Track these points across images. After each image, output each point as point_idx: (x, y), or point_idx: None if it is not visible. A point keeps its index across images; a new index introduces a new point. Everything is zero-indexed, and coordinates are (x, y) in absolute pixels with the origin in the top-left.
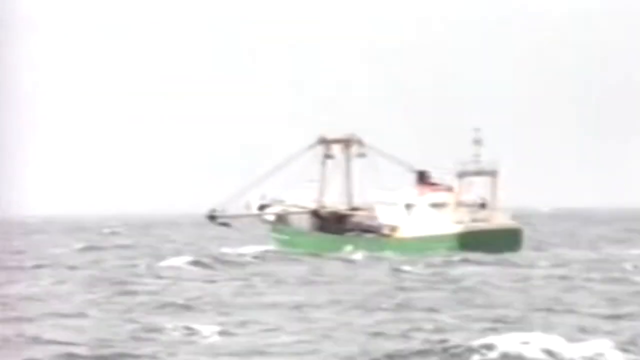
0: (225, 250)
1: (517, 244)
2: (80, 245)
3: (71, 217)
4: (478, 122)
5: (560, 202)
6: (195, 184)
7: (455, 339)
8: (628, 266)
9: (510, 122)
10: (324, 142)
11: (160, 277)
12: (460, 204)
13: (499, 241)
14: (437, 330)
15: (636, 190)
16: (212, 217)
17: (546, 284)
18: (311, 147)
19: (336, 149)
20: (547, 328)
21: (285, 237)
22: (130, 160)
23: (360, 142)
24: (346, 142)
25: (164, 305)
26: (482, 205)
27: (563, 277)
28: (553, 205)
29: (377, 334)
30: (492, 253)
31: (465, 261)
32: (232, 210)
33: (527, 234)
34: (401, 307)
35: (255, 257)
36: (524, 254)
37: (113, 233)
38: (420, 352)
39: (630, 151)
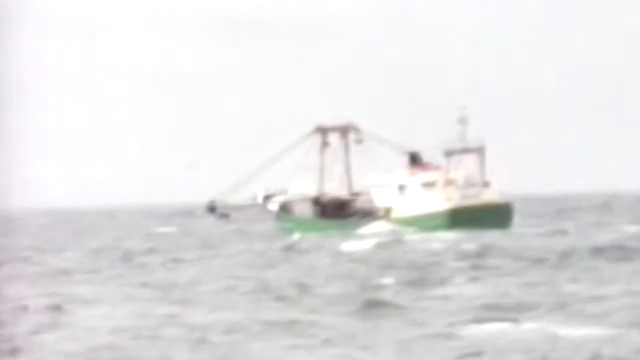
0: None
1: (508, 219)
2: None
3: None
4: (466, 100)
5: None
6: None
7: None
8: None
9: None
10: (321, 130)
11: None
12: (449, 182)
13: (489, 217)
14: None
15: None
16: (211, 209)
17: None
18: (308, 135)
19: (333, 137)
20: None
21: (289, 225)
22: (122, 152)
23: (356, 129)
24: (343, 130)
25: None
26: (486, 184)
27: None
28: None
29: None
30: (482, 229)
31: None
32: (232, 201)
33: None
34: None
35: None
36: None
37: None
38: None
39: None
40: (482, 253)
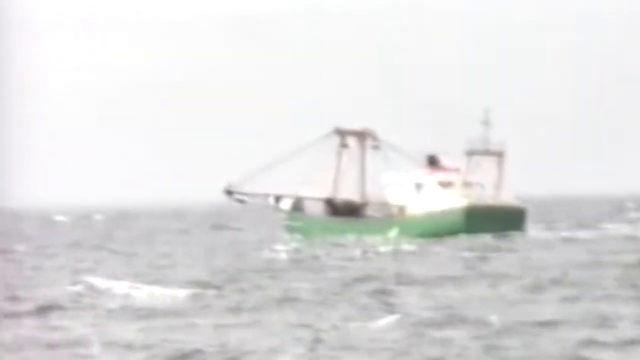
0: None
1: (521, 223)
2: None
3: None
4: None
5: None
6: (207, 173)
7: None
8: None
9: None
10: (340, 132)
11: None
12: (467, 184)
13: (503, 219)
14: None
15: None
16: (229, 192)
17: None
18: (326, 136)
19: (351, 141)
20: None
21: (299, 224)
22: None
23: (374, 135)
24: (361, 134)
25: None
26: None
27: None
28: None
29: None
30: (496, 231)
31: None
32: (247, 189)
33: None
34: None
35: None
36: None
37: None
38: None
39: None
40: None
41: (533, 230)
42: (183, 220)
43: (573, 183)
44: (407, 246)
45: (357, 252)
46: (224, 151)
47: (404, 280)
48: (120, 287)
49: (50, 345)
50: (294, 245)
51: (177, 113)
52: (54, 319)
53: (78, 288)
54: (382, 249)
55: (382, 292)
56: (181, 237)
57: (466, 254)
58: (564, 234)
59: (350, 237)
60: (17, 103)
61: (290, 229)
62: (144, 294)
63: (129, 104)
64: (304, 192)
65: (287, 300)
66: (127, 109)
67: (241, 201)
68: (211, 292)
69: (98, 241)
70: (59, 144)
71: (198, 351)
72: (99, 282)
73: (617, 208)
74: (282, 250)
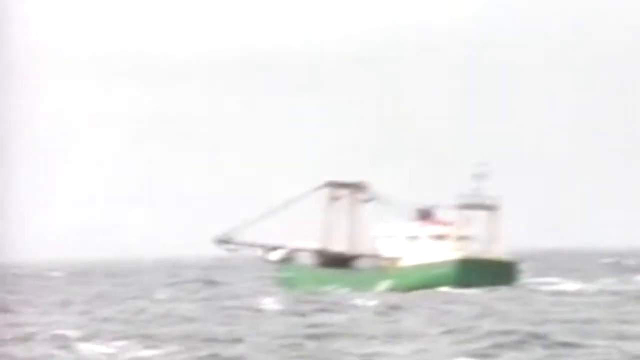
0: None
1: (513, 276)
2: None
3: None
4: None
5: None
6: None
7: None
8: None
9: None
10: (332, 185)
11: None
12: (460, 238)
13: (495, 272)
14: None
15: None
16: (222, 242)
17: None
18: (318, 189)
19: (343, 193)
20: None
21: (289, 275)
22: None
23: (367, 188)
24: (354, 187)
25: None
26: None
27: None
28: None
29: None
30: (488, 284)
31: None
32: (239, 239)
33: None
34: None
35: None
36: None
37: None
38: None
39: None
40: None
41: (525, 283)
42: (176, 274)
43: (578, 237)
44: (396, 298)
45: (345, 305)
46: (214, 204)
47: (389, 334)
48: (108, 346)
49: None
50: (283, 297)
51: (166, 163)
52: None
53: (62, 347)
54: (371, 301)
55: (368, 347)
56: (174, 292)
57: (455, 307)
58: (557, 287)
59: (341, 289)
60: (17, 155)
61: (280, 281)
62: (131, 352)
63: (125, 157)
64: (294, 244)
65: (278, 356)
66: (122, 162)
67: (232, 251)
68: (199, 351)
69: (91, 297)
70: (59, 194)
71: None
72: (87, 344)
73: (616, 263)
74: (270, 303)
